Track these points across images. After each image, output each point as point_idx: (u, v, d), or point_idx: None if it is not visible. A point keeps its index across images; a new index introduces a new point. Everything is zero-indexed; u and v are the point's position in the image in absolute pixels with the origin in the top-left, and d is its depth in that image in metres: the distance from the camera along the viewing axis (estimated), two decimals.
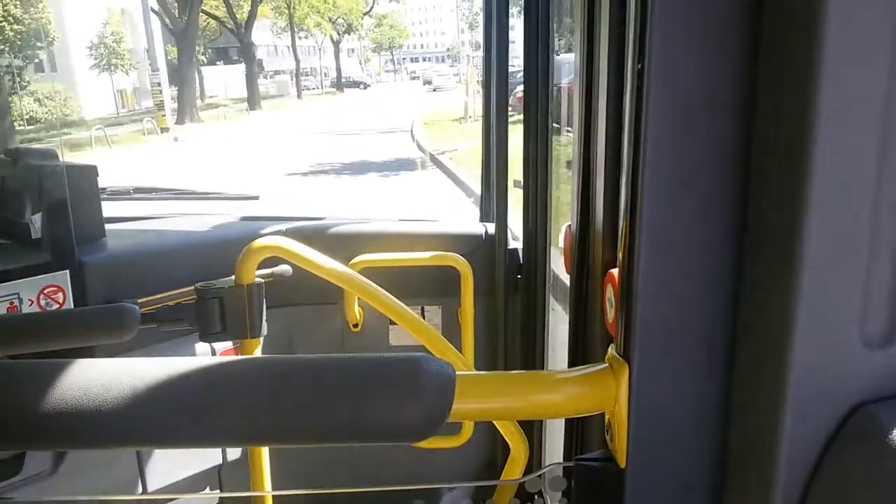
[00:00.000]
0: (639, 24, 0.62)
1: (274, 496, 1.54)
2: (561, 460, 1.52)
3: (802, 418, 0.56)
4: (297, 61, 43.12)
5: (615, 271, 1.12)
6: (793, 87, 0.54)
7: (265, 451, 1.55)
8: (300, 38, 49.75)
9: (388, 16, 66.14)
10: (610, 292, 1.15)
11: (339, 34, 51.03)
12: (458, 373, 0.63)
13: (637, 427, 0.65)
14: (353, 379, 0.62)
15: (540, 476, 0.71)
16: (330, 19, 47.42)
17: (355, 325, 2.11)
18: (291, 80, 49.85)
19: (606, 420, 0.70)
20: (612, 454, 0.68)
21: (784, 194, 0.55)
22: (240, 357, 0.67)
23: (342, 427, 0.61)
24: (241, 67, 46.63)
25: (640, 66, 0.61)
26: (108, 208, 2.03)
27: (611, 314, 1.14)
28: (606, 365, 0.68)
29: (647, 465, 0.66)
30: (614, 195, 1.16)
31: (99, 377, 0.60)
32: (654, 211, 0.62)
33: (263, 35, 49.29)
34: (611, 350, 0.68)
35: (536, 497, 0.84)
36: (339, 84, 51.55)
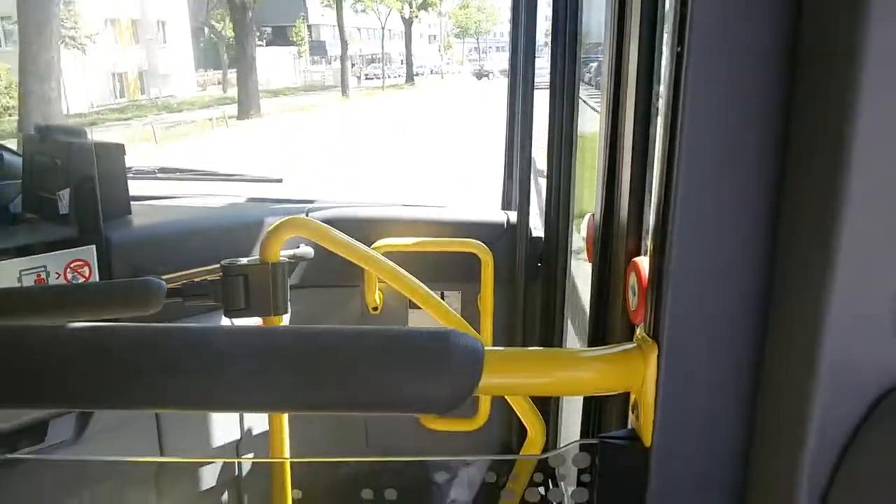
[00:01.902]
0: (678, 4, 0.62)
1: (292, 465, 1.55)
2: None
3: (831, 403, 0.56)
4: (345, 43, 33.79)
5: (639, 260, 1.12)
6: (833, 79, 0.54)
7: (285, 420, 1.56)
8: (360, 13, 42.25)
9: None
10: (633, 280, 1.15)
11: (411, 9, 42.31)
12: (486, 348, 0.64)
13: (664, 407, 0.65)
14: (381, 349, 0.62)
15: (562, 452, 0.71)
16: None
17: (375, 309, 2.12)
18: (354, 66, 43.69)
19: (632, 399, 0.70)
20: (638, 433, 0.68)
21: (820, 184, 0.55)
22: (270, 326, 0.68)
23: (371, 396, 0.62)
24: (288, 50, 40.49)
25: (679, 49, 0.61)
26: (134, 187, 2.06)
27: (633, 302, 1.14)
28: (635, 345, 0.68)
29: (672, 445, 0.66)
30: (640, 185, 1.16)
31: (128, 339, 0.62)
32: (689, 198, 0.62)
33: (322, 11, 42.58)
34: (639, 331, 0.69)
35: (558, 472, 0.84)
36: (410, 73, 43.16)
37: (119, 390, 0.61)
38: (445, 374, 0.61)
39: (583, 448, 0.72)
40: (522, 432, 1.74)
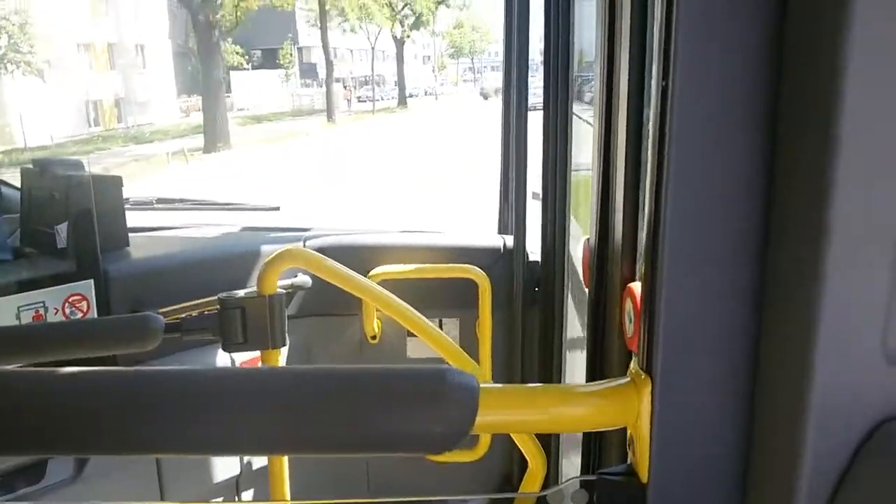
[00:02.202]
0: (662, 39, 0.63)
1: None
2: (578, 474, 1.51)
3: (825, 434, 0.57)
4: (330, 64, 30.65)
5: (635, 286, 1.12)
6: (817, 99, 0.55)
7: (285, 461, 1.56)
8: (347, 32, 38.73)
9: (467, 8, 53.03)
10: (629, 307, 1.15)
11: (403, 28, 38.94)
12: (482, 385, 0.64)
13: (659, 442, 0.65)
14: (377, 390, 0.63)
15: (561, 489, 0.71)
16: (389, 4, 36.14)
17: (373, 337, 2.12)
18: (346, 88, 41.45)
19: (629, 434, 0.70)
20: (635, 468, 0.68)
21: (807, 214, 0.56)
22: (263, 367, 0.68)
23: (365, 438, 0.62)
24: (278, 73, 37.42)
25: (664, 83, 0.62)
26: (132, 218, 2.06)
27: (630, 329, 1.15)
28: (629, 379, 0.68)
29: (669, 480, 0.66)
30: (634, 210, 1.16)
31: (123, 384, 0.62)
32: (678, 227, 0.62)
33: (310, 32, 39.69)
34: (633, 364, 0.69)
35: None
36: (403, 96, 39.89)
37: (113, 436, 0.61)
38: (441, 414, 0.61)
39: (582, 485, 0.72)
40: (523, 463, 1.73)
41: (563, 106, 1.81)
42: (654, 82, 0.90)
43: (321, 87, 39.23)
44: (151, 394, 0.61)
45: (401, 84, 41.11)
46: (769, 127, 0.60)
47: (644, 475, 0.66)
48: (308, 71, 43.69)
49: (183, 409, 0.61)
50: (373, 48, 39.92)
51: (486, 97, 42.61)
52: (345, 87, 42.24)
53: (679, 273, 0.63)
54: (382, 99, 42.53)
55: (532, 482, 1.65)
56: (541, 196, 1.99)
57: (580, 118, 1.81)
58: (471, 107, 35.29)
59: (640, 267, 1.20)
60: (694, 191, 0.62)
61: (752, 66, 0.59)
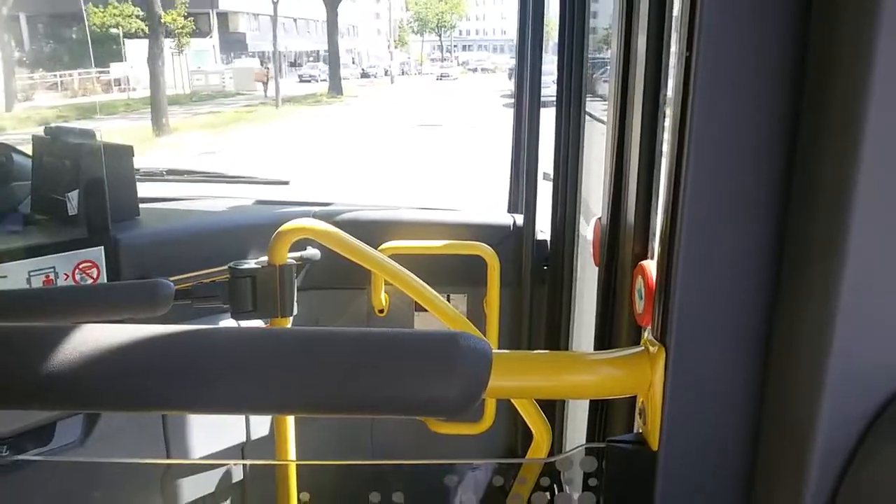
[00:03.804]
0: (686, 7, 0.62)
1: (298, 468, 1.56)
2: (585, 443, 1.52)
3: (840, 405, 0.56)
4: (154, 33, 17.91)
5: (646, 263, 1.12)
6: (843, 81, 0.54)
7: (291, 423, 1.57)
8: None
9: None
10: (640, 284, 1.15)
11: None
12: (494, 351, 0.64)
13: (671, 410, 0.65)
14: (390, 352, 0.63)
15: (570, 456, 0.71)
16: None
17: (381, 311, 2.13)
18: (265, 66, 31.42)
19: (639, 403, 0.70)
20: (645, 437, 0.68)
21: (829, 187, 0.55)
22: (276, 328, 0.68)
23: (378, 399, 0.62)
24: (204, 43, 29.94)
25: (688, 54, 0.61)
26: (142, 189, 2.07)
27: (640, 305, 1.15)
28: (642, 348, 0.68)
29: (679, 449, 0.66)
30: (647, 188, 1.16)
31: (132, 340, 0.62)
32: (697, 200, 0.62)
33: None
34: (646, 334, 0.69)
35: (563, 476, 0.84)
36: (336, 82, 29.00)
37: (122, 392, 0.61)
38: (453, 377, 0.61)
39: (589, 452, 0.72)
40: (528, 436, 1.74)
41: (577, 86, 1.80)
42: (673, 58, 0.89)
43: (265, 65, 31.64)
44: (163, 351, 0.62)
45: (333, 62, 30.03)
46: (793, 96, 0.60)
47: (654, 443, 0.66)
48: (232, 43, 35.45)
49: (193, 368, 0.61)
50: (274, 12, 27.06)
51: (439, 78, 39.66)
52: (263, 65, 32.54)
53: (696, 243, 0.63)
54: (318, 80, 34.52)
55: (537, 453, 1.66)
56: (552, 176, 1.98)
57: (592, 116, 1.80)
58: (434, 94, 29.26)
59: (653, 245, 1.20)
60: (713, 165, 0.61)
61: (778, 33, 0.59)
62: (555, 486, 0.87)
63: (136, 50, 25.15)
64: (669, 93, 0.76)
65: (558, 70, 1.84)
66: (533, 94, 2.00)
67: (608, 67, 1.31)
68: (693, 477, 0.67)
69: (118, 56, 26.80)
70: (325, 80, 32.04)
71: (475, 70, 50.36)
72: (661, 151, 1.16)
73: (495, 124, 12.82)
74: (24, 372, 0.62)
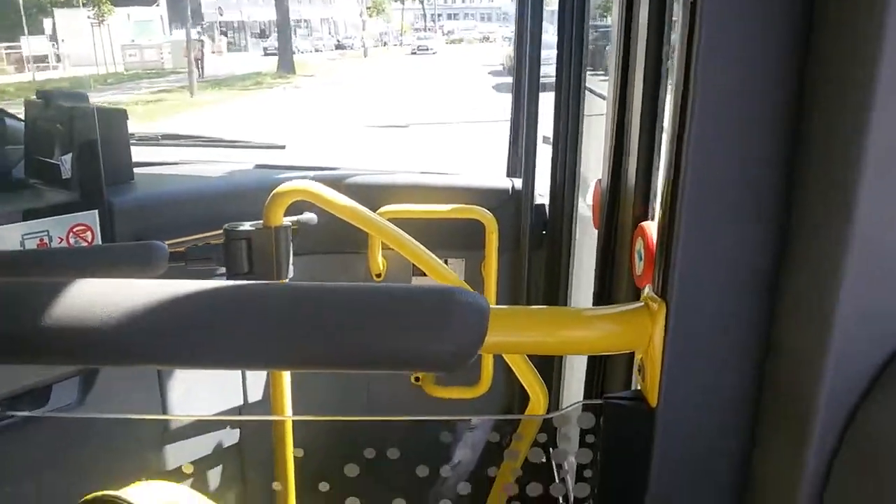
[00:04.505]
0: None
1: (294, 426, 1.56)
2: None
3: (845, 359, 0.55)
4: None
5: (646, 224, 1.11)
6: (851, 33, 0.52)
7: (287, 381, 1.56)
8: None
9: None
10: (640, 245, 1.14)
11: None
12: (492, 306, 0.63)
13: (670, 367, 0.64)
14: (387, 306, 0.62)
15: (567, 412, 0.71)
16: None
17: (378, 275, 2.12)
18: (203, 40, 26.01)
19: (637, 360, 0.69)
20: (644, 393, 0.67)
21: (838, 135, 0.54)
22: (272, 283, 0.67)
23: (374, 353, 0.61)
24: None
25: (692, 2, 0.59)
26: (136, 154, 2.04)
27: (639, 267, 1.14)
28: (642, 304, 0.67)
29: (678, 405, 0.65)
30: (649, 149, 1.14)
31: (127, 294, 0.61)
32: (700, 152, 0.60)
33: None
34: (647, 290, 0.68)
35: (559, 434, 0.84)
36: (287, 58, 24.87)
37: (118, 346, 0.60)
38: (450, 331, 0.60)
39: (587, 409, 0.71)
40: (524, 400, 1.74)
41: (578, 41, 1.77)
42: (677, 6, 0.87)
43: (201, 37, 25.56)
44: (161, 305, 0.60)
45: (281, 35, 25.21)
46: (799, 59, 0.58)
47: (653, 399, 0.66)
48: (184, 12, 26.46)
49: (190, 321, 0.60)
50: None
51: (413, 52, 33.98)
52: (201, 39, 26.20)
53: (700, 197, 0.61)
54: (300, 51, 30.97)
55: (534, 412, 1.67)
56: (551, 139, 1.96)
57: (592, 92, 1.77)
58: (410, 70, 25.10)
59: (653, 206, 1.19)
60: (718, 118, 0.60)
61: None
62: (551, 443, 0.87)
63: (66, 22, 22.20)
64: (675, 44, 0.73)
65: (558, 32, 1.81)
66: (533, 54, 1.97)
67: (609, 31, 1.29)
68: (692, 433, 0.67)
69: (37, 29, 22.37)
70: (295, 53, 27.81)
71: (460, 41, 46.72)
72: (664, 109, 1.15)
73: (481, 125, 10.57)
74: (23, 327, 0.61)
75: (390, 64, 29.60)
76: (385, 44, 43.53)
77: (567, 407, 0.70)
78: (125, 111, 2.01)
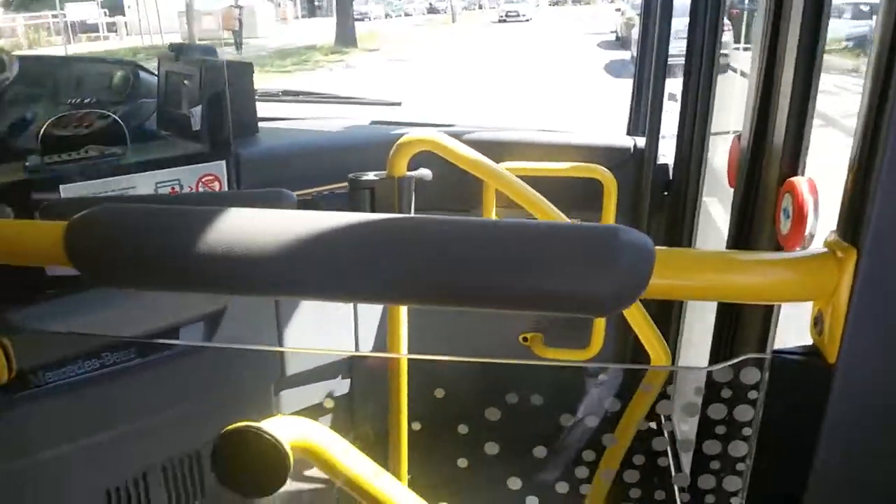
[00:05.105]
0: None
1: (409, 362, 1.56)
2: (706, 365, 1.45)
3: None
4: None
5: (797, 180, 1.03)
6: None
7: (404, 318, 1.56)
8: None
9: None
10: (787, 202, 1.06)
11: None
12: (657, 248, 0.59)
13: (857, 320, 0.58)
14: (547, 242, 0.59)
15: (730, 366, 0.66)
16: None
17: None
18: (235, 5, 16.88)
19: (815, 312, 0.63)
20: (820, 349, 0.62)
21: None
22: (425, 216, 0.65)
23: (532, 292, 0.58)
24: None
25: None
26: (259, 109, 2.09)
27: (785, 226, 1.06)
28: (826, 250, 0.61)
29: (861, 364, 0.59)
30: (802, 102, 1.06)
31: (277, 224, 0.61)
32: None
33: None
34: (832, 236, 0.61)
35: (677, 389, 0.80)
36: (345, 28, 19.76)
37: (245, 275, 0.60)
38: (614, 271, 0.57)
39: (751, 362, 0.66)
40: (635, 362, 1.68)
41: None
42: None
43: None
44: (295, 234, 0.60)
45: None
46: None
47: (832, 356, 0.60)
48: None
49: (330, 252, 0.60)
50: None
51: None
52: (235, 4, 17.47)
53: None
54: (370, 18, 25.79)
55: (654, 377, 1.61)
56: (678, 97, 1.87)
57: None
58: (499, 44, 20.18)
59: (804, 161, 1.10)
60: None
61: None
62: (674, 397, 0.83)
63: None
64: None
65: None
66: (664, 5, 1.87)
67: None
68: (874, 395, 0.61)
69: None
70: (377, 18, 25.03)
71: (564, 2, 39.80)
72: (821, 61, 1.06)
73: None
74: (174, 250, 0.62)
75: (476, 32, 25.21)
76: (481, 6, 37.97)
77: (732, 361, 0.65)
78: (251, 65, 2.06)
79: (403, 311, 1.54)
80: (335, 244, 0.59)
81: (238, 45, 16.32)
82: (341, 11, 20.44)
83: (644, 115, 2.06)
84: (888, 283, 0.57)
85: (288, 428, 0.67)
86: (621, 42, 18.14)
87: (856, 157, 0.58)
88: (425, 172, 1.80)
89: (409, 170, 1.55)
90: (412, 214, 1.50)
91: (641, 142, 2.01)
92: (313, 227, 0.60)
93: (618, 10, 20.55)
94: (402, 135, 1.54)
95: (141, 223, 0.64)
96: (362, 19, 27.38)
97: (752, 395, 0.66)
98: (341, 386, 2.18)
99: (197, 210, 0.64)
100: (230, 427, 0.63)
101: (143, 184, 1.72)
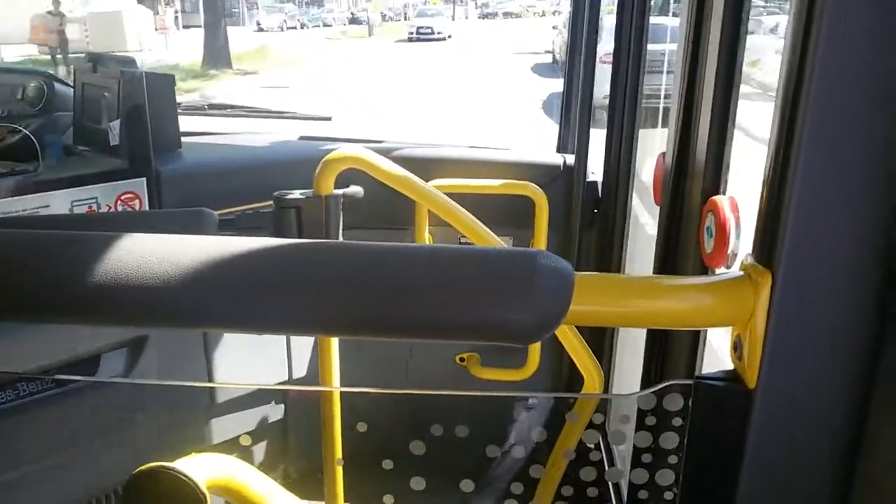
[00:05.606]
0: None
1: (341, 402, 1.52)
2: (638, 390, 1.46)
3: None
4: None
5: (718, 198, 1.04)
6: None
7: (335, 351, 1.52)
8: None
9: None
10: (710, 221, 1.07)
11: None
12: (577, 273, 0.58)
13: (774, 344, 0.58)
14: (462, 268, 0.57)
15: (653, 393, 0.65)
16: None
17: None
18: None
19: (734, 337, 0.63)
20: (740, 373, 0.62)
21: None
22: (341, 241, 0.62)
23: (446, 320, 0.56)
24: None
25: None
26: (182, 124, 2.02)
27: (709, 244, 1.07)
28: (742, 273, 0.61)
29: (781, 386, 0.60)
30: (722, 123, 1.08)
31: (184, 251, 0.57)
32: (816, 114, 0.54)
33: None
34: (747, 259, 0.61)
35: (610, 419, 0.79)
36: (214, 47, 16.00)
37: (167, 306, 0.56)
38: (531, 299, 0.55)
39: (673, 389, 0.65)
40: (572, 384, 1.68)
41: (640, 17, 1.69)
42: None
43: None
44: (208, 261, 0.56)
45: (209, 9, 16.92)
46: None
47: (752, 380, 0.60)
48: None
49: (248, 280, 0.56)
50: None
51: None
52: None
53: (815, 159, 0.55)
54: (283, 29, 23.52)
55: (584, 406, 1.61)
56: (606, 114, 1.89)
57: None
58: (411, 62, 18.09)
59: (725, 178, 1.12)
60: (835, 77, 0.53)
61: None
62: (606, 424, 0.82)
63: None
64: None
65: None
66: (591, 26, 1.89)
67: None
68: (794, 419, 0.61)
69: None
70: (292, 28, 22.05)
71: (493, 15, 37.78)
72: (738, 83, 1.08)
73: None
74: (73, 281, 0.57)
75: (389, 50, 21.86)
76: (406, 16, 34.63)
77: (655, 387, 0.65)
78: (173, 77, 1.99)
79: (334, 340, 1.51)
80: (237, 273, 0.56)
81: (56, 63, 13.42)
82: (210, 24, 16.46)
83: (573, 133, 2.08)
84: (803, 306, 0.58)
85: (204, 466, 0.63)
86: (560, 65, 13.63)
87: (768, 179, 0.59)
88: (357, 190, 1.77)
89: (340, 186, 1.52)
90: (339, 235, 1.47)
91: (571, 159, 2.02)
92: (213, 253, 0.56)
93: (554, 27, 18.46)
94: (329, 150, 1.51)
95: (19, 251, 0.59)
96: (260, 30, 25.10)
97: (677, 421, 0.66)
98: (275, 411, 2.12)
99: (84, 236, 0.60)
100: (141, 468, 0.59)
101: (58, 203, 1.64)
